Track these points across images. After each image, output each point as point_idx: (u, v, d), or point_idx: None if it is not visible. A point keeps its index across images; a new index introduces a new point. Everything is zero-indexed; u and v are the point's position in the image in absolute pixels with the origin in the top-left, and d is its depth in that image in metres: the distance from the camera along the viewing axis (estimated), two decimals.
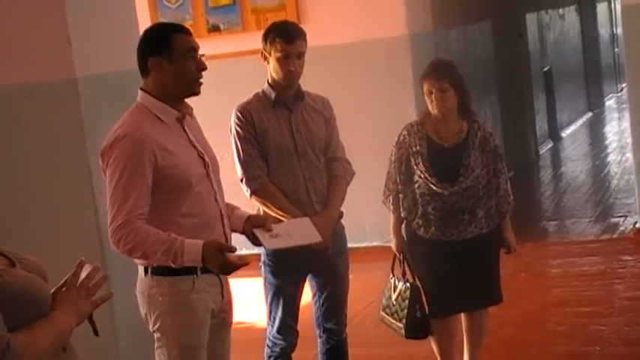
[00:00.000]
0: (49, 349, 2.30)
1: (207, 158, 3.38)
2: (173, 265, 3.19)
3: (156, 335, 3.34)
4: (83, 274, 2.48)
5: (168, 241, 3.16)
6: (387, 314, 4.63)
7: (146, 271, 3.30)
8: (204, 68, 3.31)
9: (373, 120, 7.78)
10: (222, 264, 3.21)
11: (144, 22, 6.62)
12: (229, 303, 3.51)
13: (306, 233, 3.66)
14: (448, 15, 8.69)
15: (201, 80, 3.32)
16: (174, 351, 3.29)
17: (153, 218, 3.19)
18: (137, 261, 3.31)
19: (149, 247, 3.15)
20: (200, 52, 3.34)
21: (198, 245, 3.18)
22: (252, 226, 3.49)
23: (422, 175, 4.41)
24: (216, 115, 6.58)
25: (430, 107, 4.43)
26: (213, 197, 3.37)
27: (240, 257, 3.25)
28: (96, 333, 2.56)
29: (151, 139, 3.19)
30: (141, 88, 3.35)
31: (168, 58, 3.25)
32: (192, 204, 3.27)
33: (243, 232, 3.52)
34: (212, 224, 3.33)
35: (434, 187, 4.39)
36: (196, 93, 3.34)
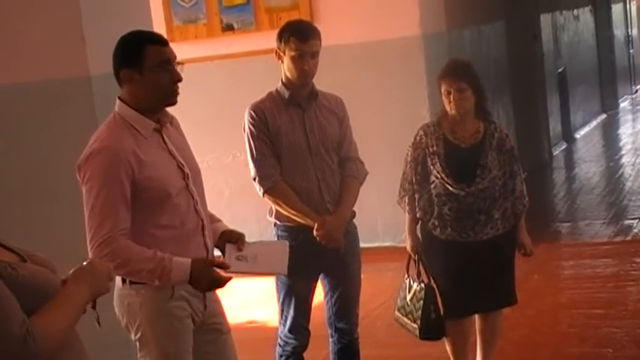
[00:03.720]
0: (68, 328, 2.34)
1: (186, 169, 3.31)
2: (157, 283, 3.15)
3: (138, 345, 3.30)
4: None
5: (155, 259, 3.12)
6: (402, 314, 4.62)
7: (124, 281, 3.24)
8: (179, 79, 3.23)
9: (386, 120, 7.77)
10: (211, 281, 3.19)
11: (158, 21, 6.65)
12: (221, 312, 3.48)
13: (274, 262, 3.48)
14: (462, 15, 8.67)
15: (177, 90, 3.24)
16: (158, 359, 3.26)
17: (132, 230, 3.13)
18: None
19: (134, 265, 3.11)
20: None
21: (187, 264, 3.15)
22: (225, 241, 3.41)
23: (439, 176, 4.39)
24: (229, 113, 6.58)
25: (447, 107, 4.41)
26: (193, 208, 3.30)
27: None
28: (99, 323, 2.57)
29: (127, 152, 3.13)
30: (119, 98, 3.28)
31: (139, 71, 3.17)
32: (171, 216, 3.22)
33: (216, 246, 3.44)
34: (190, 236, 3.27)
35: (450, 188, 4.38)
36: (172, 103, 3.27)
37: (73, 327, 2.37)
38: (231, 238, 3.41)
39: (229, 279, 3.24)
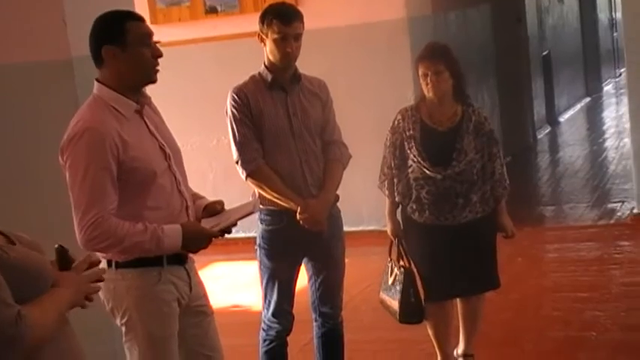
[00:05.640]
0: (55, 322, 2.37)
1: (167, 150, 3.29)
2: (149, 255, 3.15)
3: (124, 329, 3.28)
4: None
5: (147, 231, 3.12)
6: (387, 296, 4.63)
7: (110, 264, 3.22)
8: (160, 55, 3.21)
9: (371, 103, 7.75)
10: (202, 240, 3.21)
11: (140, 3, 6.59)
12: (205, 294, 3.47)
13: (243, 209, 3.48)
14: None
15: (157, 67, 3.22)
16: (144, 343, 3.24)
17: (120, 212, 3.12)
18: (102, 254, 3.19)
19: (129, 240, 3.09)
20: (155, 38, 3.22)
21: (178, 229, 3.17)
22: (208, 215, 3.40)
23: (415, 159, 4.39)
24: (213, 96, 6.52)
25: (425, 90, 4.41)
26: (176, 189, 3.30)
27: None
28: None
29: (111, 133, 3.10)
30: (97, 80, 3.24)
31: (122, 47, 3.14)
32: (156, 197, 3.21)
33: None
34: (176, 216, 3.26)
35: (427, 171, 4.37)
36: (153, 81, 3.24)
37: (58, 325, 2.39)
38: (214, 211, 3.40)
39: (217, 235, 3.26)
